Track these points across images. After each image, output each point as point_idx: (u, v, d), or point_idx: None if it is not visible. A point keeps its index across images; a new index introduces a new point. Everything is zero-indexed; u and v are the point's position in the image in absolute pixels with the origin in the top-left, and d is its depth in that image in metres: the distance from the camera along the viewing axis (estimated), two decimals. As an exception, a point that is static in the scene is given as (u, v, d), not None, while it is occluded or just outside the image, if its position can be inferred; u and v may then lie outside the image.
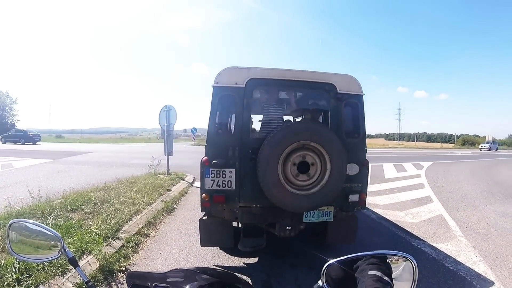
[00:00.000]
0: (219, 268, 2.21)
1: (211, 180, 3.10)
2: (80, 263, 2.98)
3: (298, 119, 3.89)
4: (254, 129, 3.92)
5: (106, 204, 5.18)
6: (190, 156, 13.87)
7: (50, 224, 3.89)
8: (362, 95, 3.38)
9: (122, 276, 3.14)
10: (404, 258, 0.81)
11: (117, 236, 3.91)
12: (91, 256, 3.24)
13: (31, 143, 29.53)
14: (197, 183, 7.77)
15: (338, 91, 3.25)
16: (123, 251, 3.62)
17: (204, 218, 3.31)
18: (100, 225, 4.02)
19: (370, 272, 0.76)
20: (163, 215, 5.29)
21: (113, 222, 4.20)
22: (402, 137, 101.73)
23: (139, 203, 5.34)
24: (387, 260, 0.82)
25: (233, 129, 3.25)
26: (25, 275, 2.63)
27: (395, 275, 0.80)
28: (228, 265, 3.52)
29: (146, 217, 4.83)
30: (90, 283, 0.96)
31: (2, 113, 52.10)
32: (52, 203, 4.95)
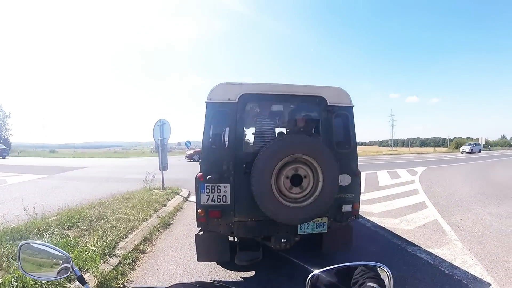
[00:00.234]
0: (217, 282, 2.22)
1: (206, 195, 3.14)
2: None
3: (291, 132, 3.96)
4: (247, 143, 3.97)
5: (102, 220, 5.15)
6: (185, 170, 13.84)
7: (47, 241, 3.87)
8: (352, 106, 3.47)
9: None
10: (380, 269, 0.87)
11: (113, 253, 3.90)
12: (89, 273, 3.23)
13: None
14: (193, 197, 7.74)
15: (328, 104, 3.34)
16: (120, 268, 3.61)
17: (200, 233, 3.33)
18: (97, 242, 4.00)
19: (369, 284, 0.81)
20: (159, 231, 5.27)
21: (110, 239, 4.19)
22: (396, 143, 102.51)
23: (134, 219, 5.32)
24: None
25: (227, 144, 3.31)
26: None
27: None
28: (225, 279, 3.52)
29: (142, 233, 4.81)
30: None
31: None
32: (47, 220, 4.93)
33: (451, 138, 77.43)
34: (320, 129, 3.40)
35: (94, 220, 5.16)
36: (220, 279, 3.52)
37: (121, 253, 3.96)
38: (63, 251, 1.10)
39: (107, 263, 3.63)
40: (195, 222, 3.25)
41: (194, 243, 3.36)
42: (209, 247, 3.35)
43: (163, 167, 9.03)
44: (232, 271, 3.66)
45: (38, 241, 1.15)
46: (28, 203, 5.63)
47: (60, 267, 1.10)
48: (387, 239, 4.92)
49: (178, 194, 8.52)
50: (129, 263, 3.80)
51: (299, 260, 3.58)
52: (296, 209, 2.99)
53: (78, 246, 3.88)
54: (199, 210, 3.15)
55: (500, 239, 4.77)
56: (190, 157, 26.26)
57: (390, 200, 8.09)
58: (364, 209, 6.77)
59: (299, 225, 3.21)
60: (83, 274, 3.14)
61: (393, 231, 5.31)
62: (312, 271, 0.85)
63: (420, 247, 4.47)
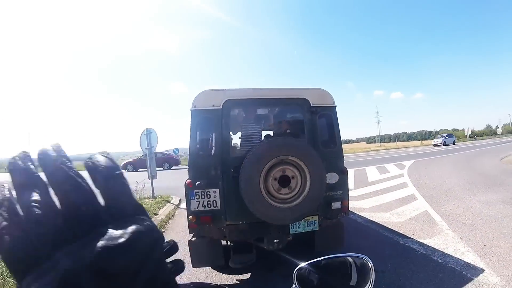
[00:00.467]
0: (213, 284, 2.20)
1: (196, 201, 3.12)
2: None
3: (276, 135, 4.00)
4: (235, 148, 3.98)
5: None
6: (174, 177, 13.75)
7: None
8: (335, 106, 3.52)
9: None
10: (364, 260, 0.87)
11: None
12: None
13: None
14: (184, 205, 7.65)
15: (312, 105, 3.38)
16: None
17: (193, 239, 3.32)
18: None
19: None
20: (151, 240, 5.17)
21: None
22: (383, 139, 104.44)
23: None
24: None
25: (213, 150, 3.31)
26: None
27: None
28: (221, 283, 3.49)
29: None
30: None
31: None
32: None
33: (437, 130, 79.30)
34: (305, 130, 3.44)
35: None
36: (216, 283, 3.49)
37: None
38: None
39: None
40: (187, 228, 3.22)
41: (188, 250, 3.33)
42: (202, 253, 3.33)
43: (152, 175, 8.92)
44: (228, 275, 3.64)
45: None
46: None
47: None
48: (379, 233, 4.96)
49: (169, 202, 8.43)
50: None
51: (293, 258, 3.58)
52: (286, 209, 3.00)
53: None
54: (190, 217, 3.13)
55: (490, 225, 4.84)
56: (124, 167, 21.91)
57: (380, 194, 8.12)
58: (355, 205, 6.82)
59: (290, 224, 3.23)
60: None
61: (384, 224, 5.36)
62: (298, 264, 0.85)
63: (412, 238, 4.51)
